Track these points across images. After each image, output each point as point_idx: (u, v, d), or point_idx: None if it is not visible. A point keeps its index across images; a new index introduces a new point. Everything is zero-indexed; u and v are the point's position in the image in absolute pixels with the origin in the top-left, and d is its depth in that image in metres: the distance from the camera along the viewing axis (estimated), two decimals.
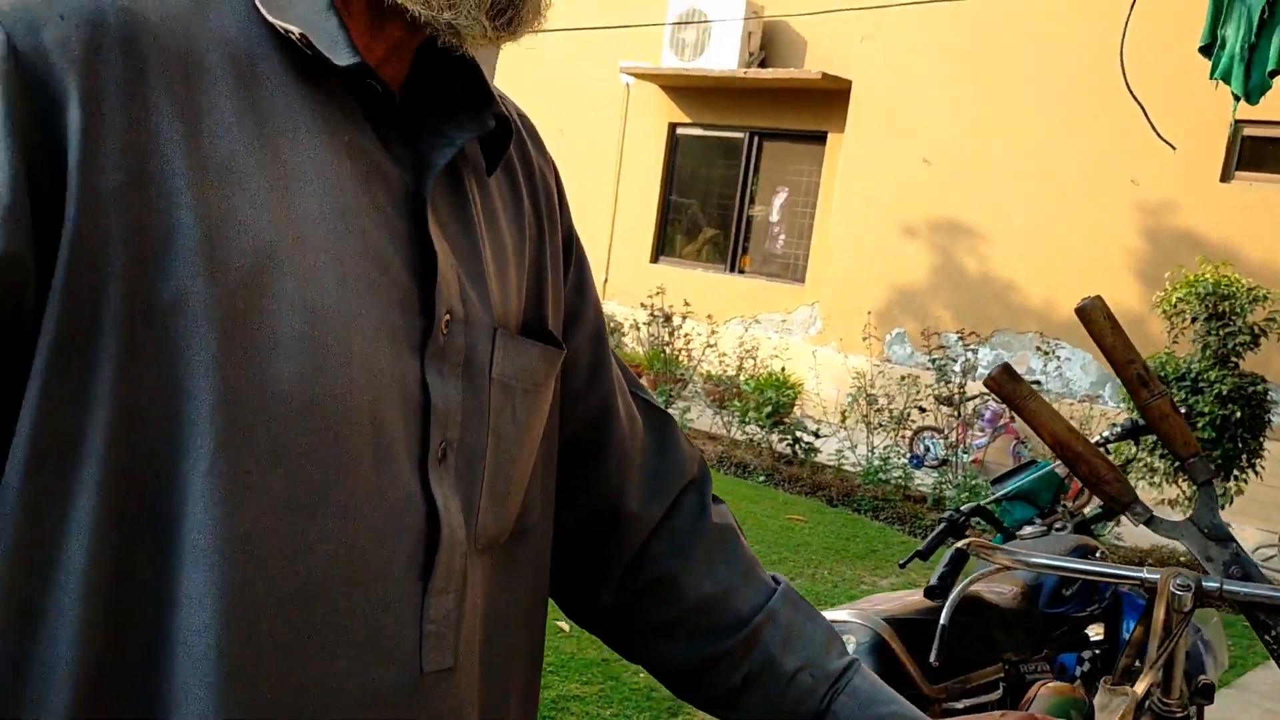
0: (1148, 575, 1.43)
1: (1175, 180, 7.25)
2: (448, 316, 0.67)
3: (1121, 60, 2.66)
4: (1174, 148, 2.96)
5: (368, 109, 0.66)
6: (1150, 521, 1.49)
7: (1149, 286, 6.82)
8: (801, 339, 9.06)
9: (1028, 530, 2.76)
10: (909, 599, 2.06)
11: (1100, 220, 7.54)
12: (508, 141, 0.74)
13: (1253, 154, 7.13)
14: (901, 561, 2.63)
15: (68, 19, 0.55)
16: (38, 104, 0.54)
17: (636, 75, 10.01)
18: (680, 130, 10.23)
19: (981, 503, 2.82)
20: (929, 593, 1.68)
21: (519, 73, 11.07)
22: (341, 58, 0.62)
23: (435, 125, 0.70)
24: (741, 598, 0.88)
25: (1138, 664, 1.46)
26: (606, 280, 10.56)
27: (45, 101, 0.55)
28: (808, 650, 0.87)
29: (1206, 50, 2.84)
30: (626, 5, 9.96)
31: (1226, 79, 2.74)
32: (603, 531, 0.88)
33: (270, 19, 0.62)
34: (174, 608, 0.58)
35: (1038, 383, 7.24)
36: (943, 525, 2.64)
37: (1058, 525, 2.84)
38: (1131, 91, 2.53)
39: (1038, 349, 6.96)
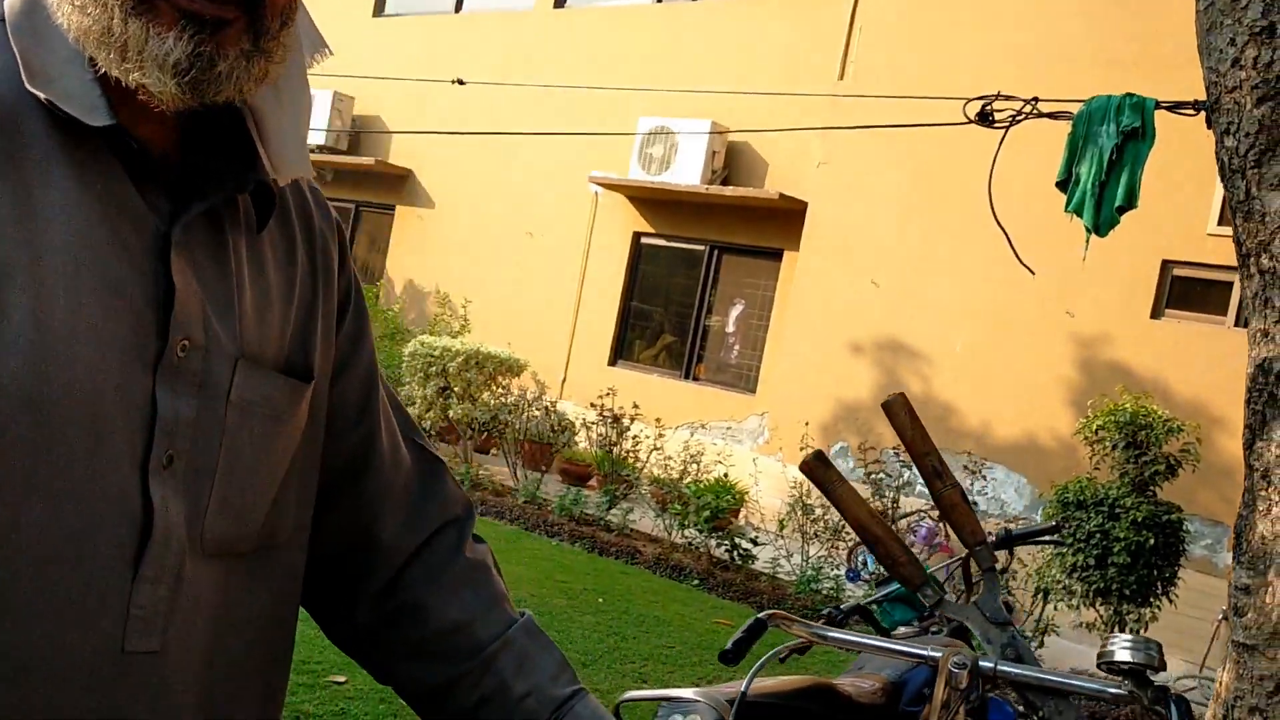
0: (931, 653, 1.56)
1: (1108, 315, 7.55)
2: (185, 341, 0.78)
3: (990, 194, 2.88)
4: (1033, 273, 3.15)
5: (130, 162, 0.78)
6: (940, 604, 1.62)
7: (1081, 414, 7.04)
8: (750, 447, 9.21)
9: (902, 630, 2.86)
10: (762, 683, 2.15)
11: (1037, 349, 7.80)
12: (272, 206, 0.87)
13: (1181, 293, 7.45)
14: (782, 656, 2.72)
15: None
16: None
17: (605, 185, 10.35)
18: (644, 240, 10.54)
19: (862, 603, 2.92)
20: (722, 657, 1.79)
21: (494, 176, 11.42)
22: (96, 120, 0.74)
23: (198, 183, 0.82)
24: (483, 626, 0.99)
25: None
26: (565, 380, 10.72)
27: None
28: (537, 678, 0.98)
29: (1063, 185, 3.06)
30: (599, 120, 10.36)
31: (1079, 212, 2.95)
32: (357, 555, 0.99)
33: (29, 89, 0.74)
34: None
35: (974, 502, 7.39)
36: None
37: (934, 629, 2.95)
38: (1000, 223, 2.73)
39: (964, 468, 7.13)
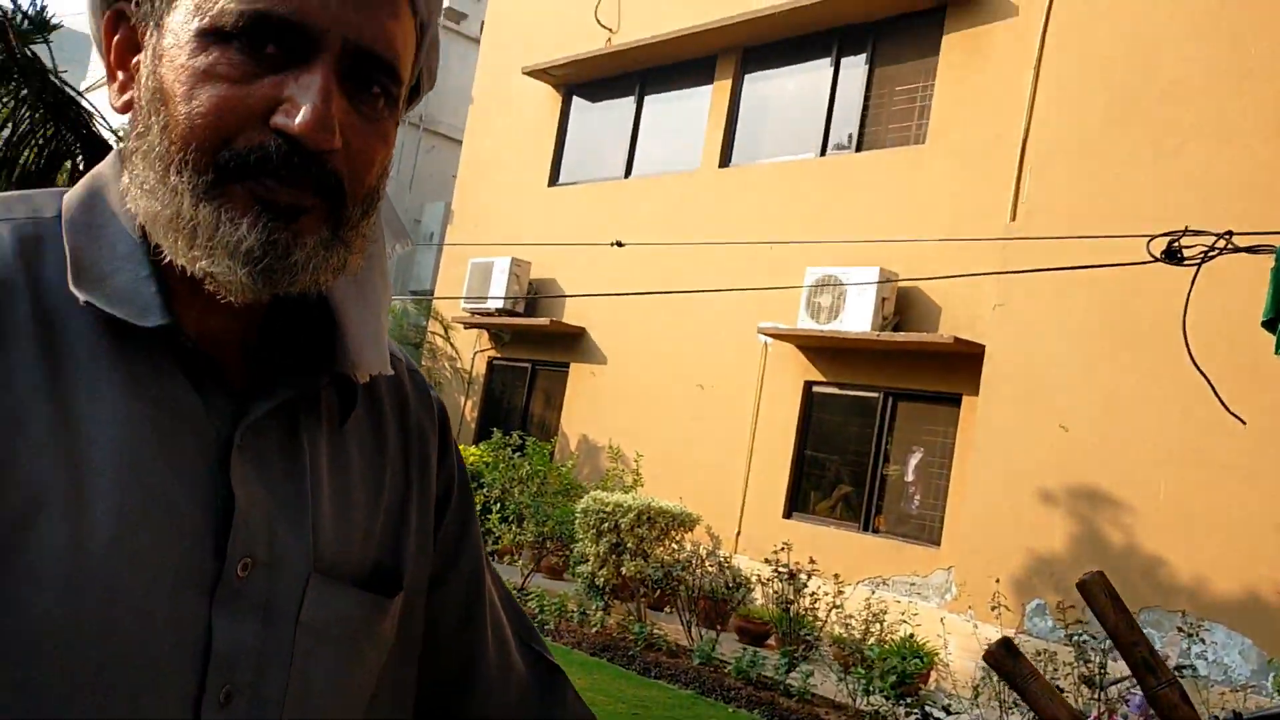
0: None
1: None
2: (247, 560, 0.71)
3: (1185, 337, 2.66)
4: (1244, 422, 2.86)
5: (189, 363, 0.72)
6: None
7: None
8: (937, 604, 8.71)
9: None
10: None
11: (1253, 495, 7.14)
12: (355, 398, 0.81)
13: None
14: None
15: None
16: None
17: (773, 335, 10.33)
18: (816, 388, 10.39)
19: None
20: None
21: (663, 331, 11.60)
22: (147, 320, 0.69)
23: (267, 380, 0.76)
24: None
25: None
26: (739, 533, 10.50)
27: None
28: None
29: (1270, 325, 2.79)
30: (766, 272, 10.45)
31: None
32: None
33: (72, 288, 0.69)
34: None
35: (1192, 667, 6.70)
36: None
37: None
38: (1199, 369, 2.51)
39: (1179, 629, 6.48)
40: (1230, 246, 2.90)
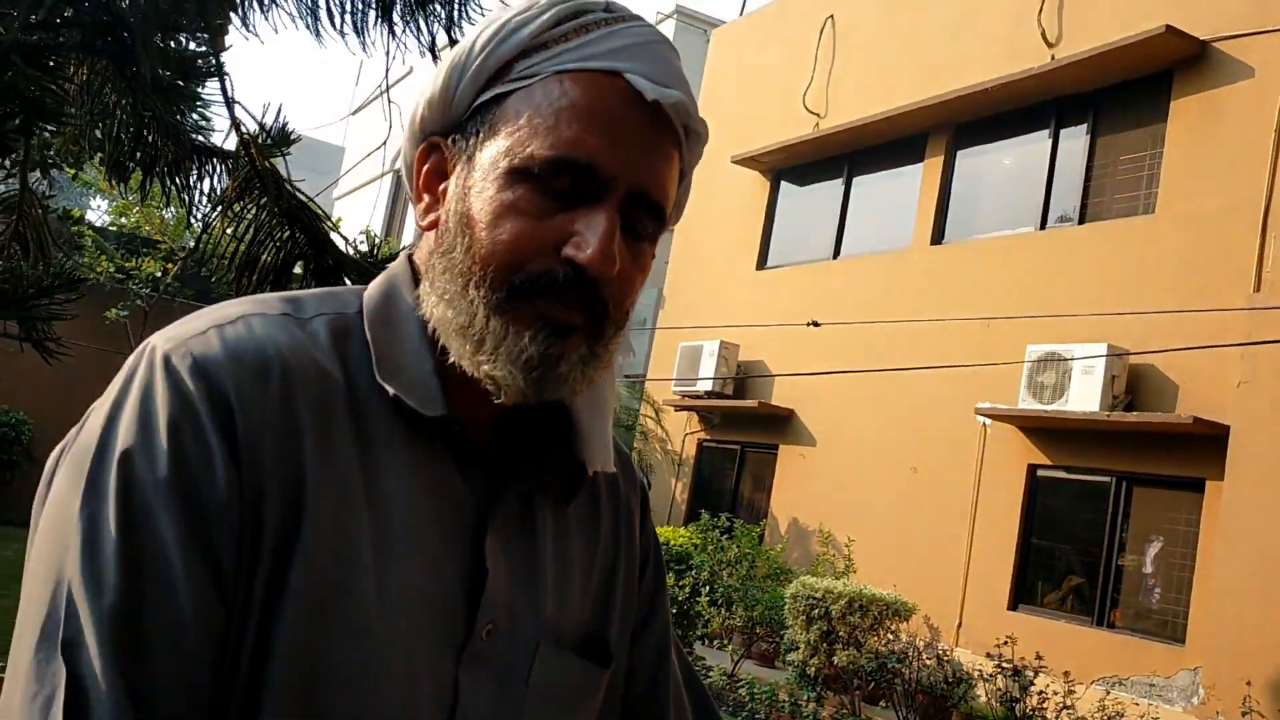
0: None
1: None
2: (489, 627, 0.80)
3: None
4: None
5: (456, 446, 0.82)
6: None
7: None
8: (1182, 708, 7.96)
9: None
10: None
11: None
12: (580, 484, 0.88)
13: None
14: None
15: (245, 367, 0.74)
16: (228, 424, 0.71)
17: (992, 416, 9.91)
18: (1040, 472, 9.85)
19: None
20: None
21: (875, 412, 11.35)
22: (432, 411, 0.79)
23: (515, 464, 0.85)
24: None
25: None
26: (960, 625, 10.00)
27: (230, 421, 0.72)
28: None
29: None
30: (983, 351, 10.09)
31: None
32: None
33: (380, 381, 0.79)
34: None
35: None
36: None
37: None
38: None
39: None
40: None
